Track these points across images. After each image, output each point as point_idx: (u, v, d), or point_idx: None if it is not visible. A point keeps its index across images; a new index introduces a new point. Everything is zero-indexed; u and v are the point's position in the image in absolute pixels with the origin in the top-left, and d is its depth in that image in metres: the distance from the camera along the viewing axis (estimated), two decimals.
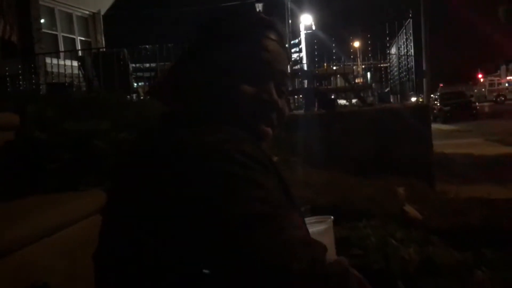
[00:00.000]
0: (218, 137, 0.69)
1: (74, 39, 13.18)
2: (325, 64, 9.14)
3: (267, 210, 0.64)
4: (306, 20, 21.10)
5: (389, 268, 1.93)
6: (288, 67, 0.91)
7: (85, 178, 1.80)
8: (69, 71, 8.85)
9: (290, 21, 17.86)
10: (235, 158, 0.66)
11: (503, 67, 59.53)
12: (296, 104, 9.36)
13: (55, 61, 9.00)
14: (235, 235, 0.61)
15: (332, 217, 0.91)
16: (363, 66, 11.83)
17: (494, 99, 48.46)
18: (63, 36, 12.71)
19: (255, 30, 0.85)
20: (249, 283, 0.61)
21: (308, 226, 0.85)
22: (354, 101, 8.60)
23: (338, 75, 9.13)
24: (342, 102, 9.04)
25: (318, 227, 0.89)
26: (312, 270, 0.62)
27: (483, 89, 53.24)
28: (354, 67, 10.97)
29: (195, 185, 0.64)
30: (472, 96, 36.59)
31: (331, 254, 0.85)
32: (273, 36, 0.86)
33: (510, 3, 21.79)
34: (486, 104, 42.69)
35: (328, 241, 0.88)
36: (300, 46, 17.20)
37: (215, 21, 0.87)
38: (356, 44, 13.28)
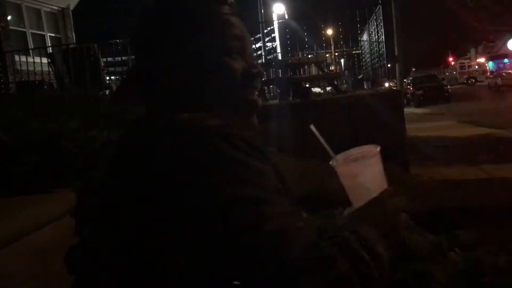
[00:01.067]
0: (218, 122, 0.70)
1: (43, 35, 12.89)
2: (299, 54, 9.15)
3: (262, 194, 0.64)
4: (279, 9, 21.11)
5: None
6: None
7: (53, 179, 1.76)
8: (39, 68, 8.65)
9: (262, 11, 17.80)
10: (236, 142, 0.67)
11: (473, 50, 60.64)
12: (271, 94, 9.36)
13: (24, 58, 8.79)
14: (228, 218, 0.61)
15: (379, 146, 0.86)
16: (336, 54, 11.88)
17: (465, 81, 49.45)
18: (31, 33, 12.40)
19: (218, 10, 0.84)
20: (244, 270, 0.60)
21: (354, 158, 0.86)
22: (328, 89, 8.64)
23: (312, 64, 9.14)
24: (317, 90, 9.07)
25: (365, 160, 0.85)
26: (309, 255, 0.62)
27: (454, 72, 54.22)
28: (327, 55, 10.99)
29: (197, 167, 0.64)
30: (443, 79, 37.29)
31: (383, 184, 0.85)
32: (230, 10, 0.86)
33: None
34: (457, 86, 43.54)
35: (378, 170, 0.86)
36: (273, 35, 17.18)
37: (170, 8, 0.84)
38: (329, 32, 13.32)
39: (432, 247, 2.10)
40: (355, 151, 0.89)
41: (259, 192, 0.64)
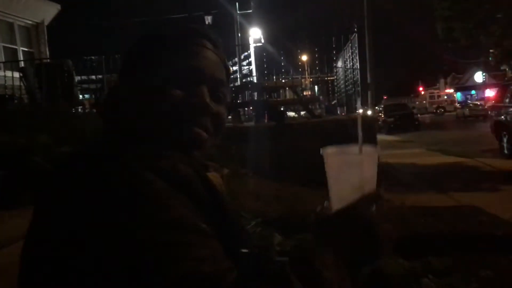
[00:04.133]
0: (130, 155, 0.66)
1: (16, 49, 12.68)
2: (274, 78, 9.24)
3: (171, 236, 0.60)
4: (255, 34, 21.34)
5: None
6: (225, 75, 0.89)
7: (20, 196, 1.69)
8: (10, 82, 8.46)
9: (239, 35, 17.98)
10: (142, 176, 0.63)
11: (442, 80, 62.56)
12: (246, 116, 9.39)
13: None
14: (136, 261, 0.58)
15: (378, 146, 0.82)
16: (311, 79, 12.06)
17: (434, 111, 50.90)
18: (3, 46, 12.19)
19: (184, 38, 0.85)
20: None
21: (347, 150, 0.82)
22: (302, 113, 8.72)
23: (287, 88, 9.23)
24: (291, 114, 9.14)
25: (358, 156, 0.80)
26: None
27: (424, 101, 55.72)
28: (302, 80, 11.13)
29: (99, 207, 0.61)
30: (414, 108, 38.20)
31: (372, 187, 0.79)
32: (207, 45, 0.86)
33: (446, 21, 23.19)
34: (427, 115, 44.69)
35: (371, 170, 0.80)
36: (249, 59, 17.34)
37: (146, 35, 0.88)
38: (304, 57, 13.54)
39: (406, 272, 2.10)
40: (352, 147, 0.83)
41: (171, 235, 0.60)
